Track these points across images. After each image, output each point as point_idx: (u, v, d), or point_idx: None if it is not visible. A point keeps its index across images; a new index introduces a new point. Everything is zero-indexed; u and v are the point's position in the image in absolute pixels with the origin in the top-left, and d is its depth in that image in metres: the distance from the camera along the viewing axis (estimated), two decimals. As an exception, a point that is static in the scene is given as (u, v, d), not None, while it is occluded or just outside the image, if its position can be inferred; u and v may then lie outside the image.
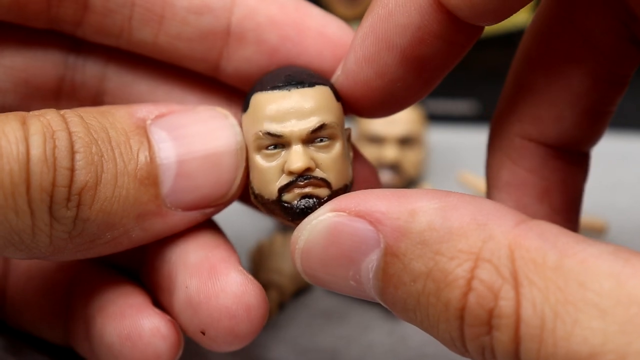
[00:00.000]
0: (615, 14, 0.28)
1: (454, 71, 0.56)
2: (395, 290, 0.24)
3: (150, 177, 0.27)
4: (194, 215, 0.28)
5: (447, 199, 0.24)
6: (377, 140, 0.46)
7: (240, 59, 0.30)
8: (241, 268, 0.28)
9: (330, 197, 0.27)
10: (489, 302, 0.22)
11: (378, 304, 0.38)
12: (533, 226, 0.23)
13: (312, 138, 0.27)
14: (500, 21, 0.27)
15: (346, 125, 0.29)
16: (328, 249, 0.25)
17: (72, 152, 0.25)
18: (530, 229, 0.23)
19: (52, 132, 0.25)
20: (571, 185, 0.30)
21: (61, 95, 0.31)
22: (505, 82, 0.30)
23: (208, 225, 0.29)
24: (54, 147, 0.25)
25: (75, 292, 0.31)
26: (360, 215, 0.25)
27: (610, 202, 0.46)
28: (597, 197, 0.46)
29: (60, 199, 0.25)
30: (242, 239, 0.41)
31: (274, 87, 0.28)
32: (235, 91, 0.32)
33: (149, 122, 0.28)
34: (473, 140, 0.52)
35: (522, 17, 0.52)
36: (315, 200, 0.27)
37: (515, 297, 0.22)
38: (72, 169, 0.25)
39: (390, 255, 0.24)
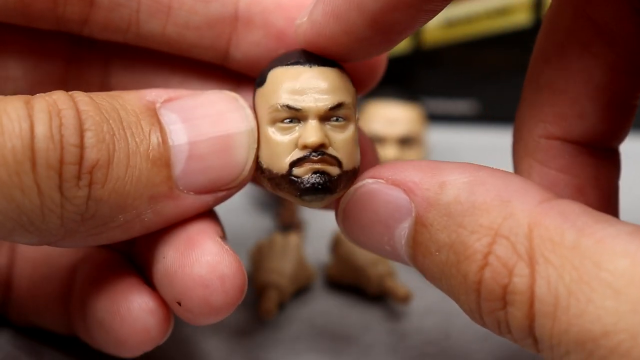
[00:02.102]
0: (628, 2, 0.28)
1: (454, 71, 0.56)
2: (423, 258, 0.25)
3: (163, 158, 0.27)
4: (206, 199, 0.28)
5: (477, 174, 0.25)
6: (377, 140, 0.46)
7: (248, 44, 0.30)
8: (218, 239, 0.28)
9: (340, 177, 0.27)
10: (503, 278, 0.23)
11: (378, 304, 0.38)
12: (555, 205, 0.23)
13: (328, 116, 0.28)
14: None
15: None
16: (365, 214, 0.27)
17: (81, 130, 0.25)
18: (552, 208, 0.23)
19: (58, 110, 0.25)
20: (604, 182, 0.31)
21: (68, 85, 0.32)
22: (524, 85, 0.31)
23: None
24: (60, 124, 0.25)
25: (76, 275, 0.31)
26: (395, 183, 0.26)
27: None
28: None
29: (70, 177, 0.25)
30: (242, 239, 0.41)
31: (295, 63, 0.28)
32: (241, 79, 0.32)
33: (158, 105, 0.28)
34: (473, 140, 0.52)
35: (521, 17, 0.52)
36: (326, 176, 0.27)
37: (530, 274, 0.22)
38: (81, 147, 0.25)
39: (419, 225, 0.25)
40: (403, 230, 0.26)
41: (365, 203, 0.27)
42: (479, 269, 0.23)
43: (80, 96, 0.26)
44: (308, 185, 0.27)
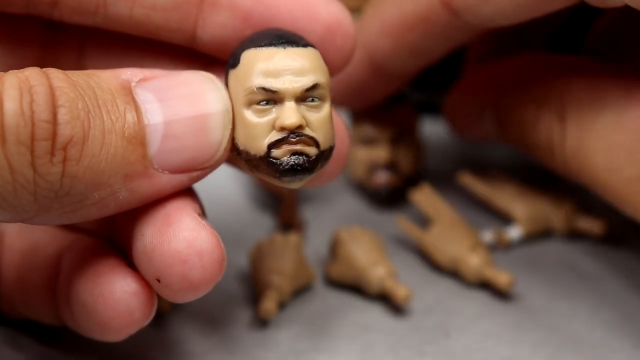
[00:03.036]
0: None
1: (452, 65, 0.56)
2: None
3: (138, 137, 0.27)
4: (181, 179, 0.28)
5: None
6: (369, 141, 0.45)
7: (215, 26, 0.31)
8: (195, 215, 0.28)
9: (318, 157, 0.28)
10: None
11: (378, 304, 0.38)
12: None
13: (304, 97, 0.28)
14: (501, 25, 0.28)
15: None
16: None
17: (54, 106, 0.25)
18: None
19: (29, 87, 0.25)
20: None
21: None
22: None
23: None
24: (32, 101, 0.25)
25: (62, 263, 0.31)
26: None
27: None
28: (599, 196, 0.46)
29: (42, 153, 0.25)
30: (242, 239, 0.41)
31: (268, 44, 0.28)
32: (212, 60, 0.32)
33: (133, 84, 0.28)
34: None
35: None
36: (305, 157, 0.28)
37: None
38: (54, 123, 0.25)
39: None
40: None
41: None
42: None
43: (54, 73, 0.26)
44: (287, 167, 0.28)
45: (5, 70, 0.30)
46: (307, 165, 0.28)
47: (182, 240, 0.27)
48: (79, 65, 0.32)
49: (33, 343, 0.34)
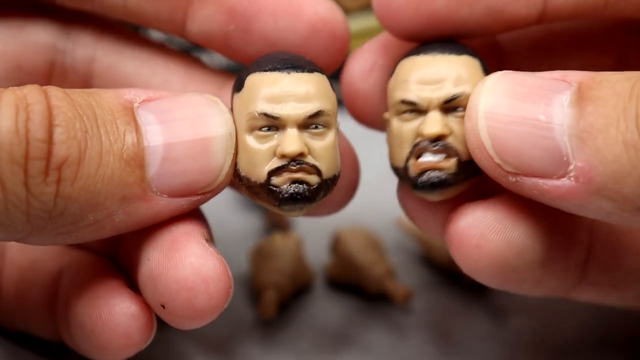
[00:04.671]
0: None
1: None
2: (594, 108, 0.25)
3: (137, 158, 0.27)
4: (180, 203, 0.28)
5: None
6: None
7: (202, 19, 0.31)
8: (203, 241, 0.28)
9: (320, 186, 0.27)
10: None
11: (378, 304, 0.38)
12: None
13: (308, 124, 0.27)
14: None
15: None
16: (518, 89, 0.27)
17: (50, 125, 0.25)
18: None
19: (26, 105, 0.25)
20: None
21: (52, 80, 0.32)
22: None
23: None
24: (27, 119, 0.25)
25: (62, 280, 0.31)
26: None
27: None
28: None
29: (36, 173, 0.25)
30: (242, 239, 0.41)
31: (272, 69, 0.28)
32: (224, 82, 0.32)
33: (136, 104, 0.27)
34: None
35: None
36: (305, 186, 0.27)
37: None
38: (49, 142, 0.25)
39: (589, 80, 0.26)
40: (565, 96, 0.26)
41: (519, 80, 0.27)
42: None
43: (53, 91, 0.26)
44: (287, 196, 0.27)
45: (17, 68, 0.31)
46: (307, 194, 0.27)
47: (189, 266, 0.27)
48: (86, 81, 0.32)
49: (32, 355, 0.34)
